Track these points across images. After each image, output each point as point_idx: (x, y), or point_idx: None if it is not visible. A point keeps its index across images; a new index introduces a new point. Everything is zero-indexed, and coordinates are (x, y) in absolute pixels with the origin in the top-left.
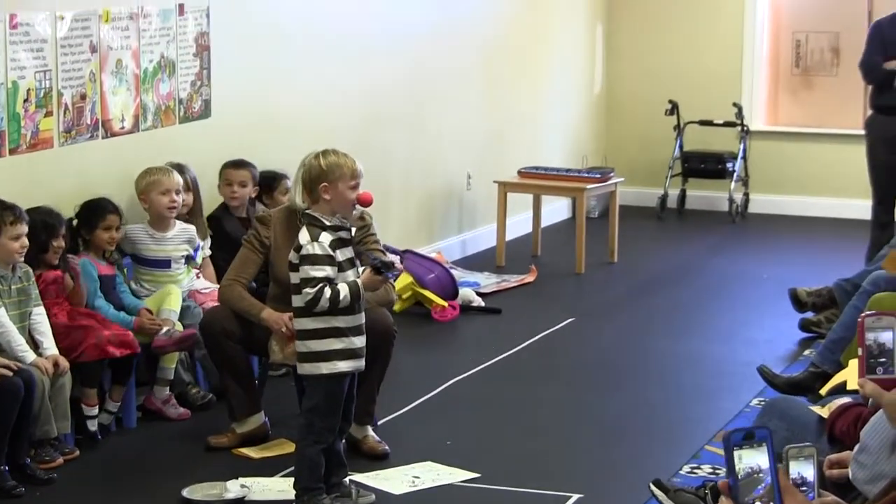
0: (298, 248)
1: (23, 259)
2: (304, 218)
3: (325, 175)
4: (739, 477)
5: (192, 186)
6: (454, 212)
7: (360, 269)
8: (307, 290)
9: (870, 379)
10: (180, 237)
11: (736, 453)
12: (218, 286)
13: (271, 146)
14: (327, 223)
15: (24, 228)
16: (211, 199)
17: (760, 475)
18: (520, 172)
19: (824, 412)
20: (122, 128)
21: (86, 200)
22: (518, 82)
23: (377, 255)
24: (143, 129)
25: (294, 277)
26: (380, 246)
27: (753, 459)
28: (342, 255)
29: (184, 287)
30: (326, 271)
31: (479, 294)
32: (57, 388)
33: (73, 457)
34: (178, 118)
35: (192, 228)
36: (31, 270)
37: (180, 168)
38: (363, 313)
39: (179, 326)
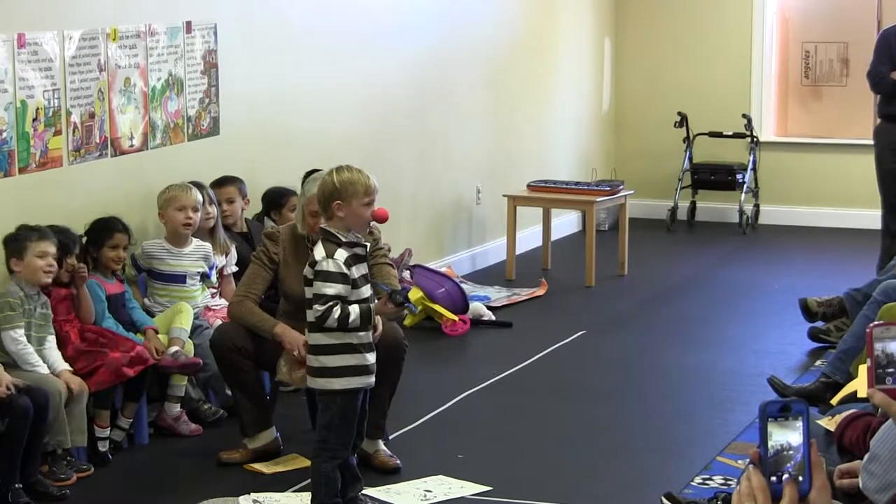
0: (313, 263)
1: (50, 280)
2: (320, 233)
3: (338, 192)
4: (769, 453)
5: (214, 201)
6: (464, 226)
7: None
8: (317, 306)
9: (879, 389)
10: (196, 253)
11: (769, 427)
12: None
13: (280, 163)
14: (343, 239)
15: (52, 248)
16: None
17: (790, 452)
18: (529, 186)
19: (831, 425)
20: (131, 146)
21: (95, 219)
22: (526, 95)
23: (390, 285)
24: (152, 146)
25: (308, 292)
26: (388, 259)
27: (785, 437)
28: (357, 271)
29: (198, 305)
30: (338, 289)
31: (489, 308)
32: (75, 399)
33: (87, 474)
34: (186, 136)
35: (208, 246)
36: (47, 300)
37: (199, 185)
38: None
39: (190, 345)
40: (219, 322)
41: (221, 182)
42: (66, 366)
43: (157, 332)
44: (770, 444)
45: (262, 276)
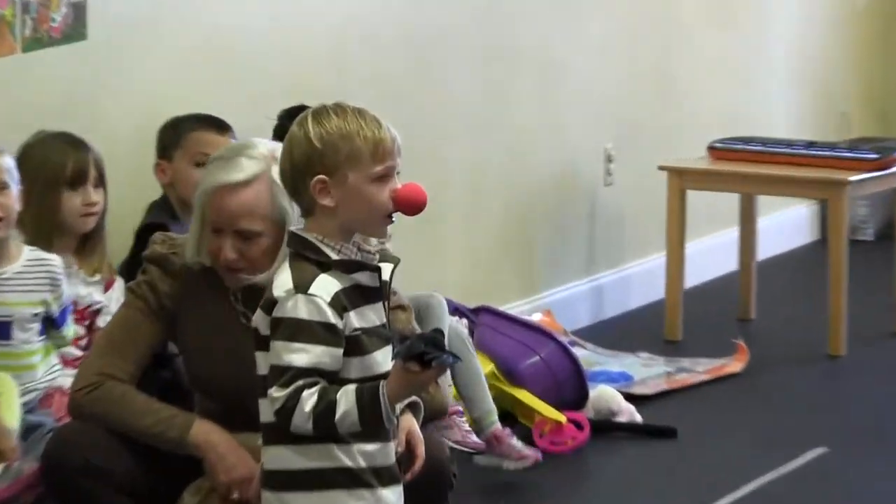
0: (270, 303)
1: None
2: (288, 242)
3: (319, 158)
4: None
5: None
6: (580, 228)
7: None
8: (274, 391)
9: None
10: (29, 277)
11: None
12: None
13: (209, 89)
14: (332, 255)
15: None
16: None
17: None
18: (711, 149)
19: None
20: None
21: None
22: None
23: (411, 334)
24: None
25: (261, 361)
26: (399, 299)
27: None
28: (362, 318)
29: (36, 380)
30: (316, 354)
31: (629, 397)
32: None
33: None
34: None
35: (54, 261)
36: None
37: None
38: (394, 441)
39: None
40: None
41: (219, 125)
42: None
43: None
44: None
45: (140, 333)
